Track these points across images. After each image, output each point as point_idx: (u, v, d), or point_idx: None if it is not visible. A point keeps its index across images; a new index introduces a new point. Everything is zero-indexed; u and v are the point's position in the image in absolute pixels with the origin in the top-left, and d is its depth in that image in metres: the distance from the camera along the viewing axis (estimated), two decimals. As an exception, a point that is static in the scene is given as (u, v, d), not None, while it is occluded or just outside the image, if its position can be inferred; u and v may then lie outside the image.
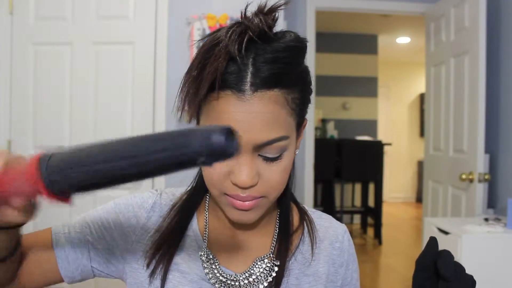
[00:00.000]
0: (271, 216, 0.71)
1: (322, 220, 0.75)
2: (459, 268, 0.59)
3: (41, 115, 2.49)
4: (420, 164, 7.28)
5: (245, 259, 0.68)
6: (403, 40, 6.51)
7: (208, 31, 2.46)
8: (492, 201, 2.65)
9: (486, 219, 2.29)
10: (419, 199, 7.52)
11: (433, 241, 0.59)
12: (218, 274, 0.65)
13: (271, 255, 0.67)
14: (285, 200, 0.71)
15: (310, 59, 3.23)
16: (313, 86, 0.64)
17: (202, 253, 0.67)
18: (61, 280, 0.68)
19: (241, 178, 0.55)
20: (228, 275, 0.65)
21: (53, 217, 2.69)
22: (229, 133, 0.37)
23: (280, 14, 0.59)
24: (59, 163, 0.40)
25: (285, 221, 0.71)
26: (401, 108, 8.05)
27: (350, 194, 6.10)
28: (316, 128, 5.63)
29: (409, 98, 8.06)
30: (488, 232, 2.06)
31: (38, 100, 2.49)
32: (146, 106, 2.48)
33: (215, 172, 0.57)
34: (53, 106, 2.49)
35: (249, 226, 0.68)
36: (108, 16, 2.47)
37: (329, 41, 6.03)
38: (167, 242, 0.66)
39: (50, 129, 2.49)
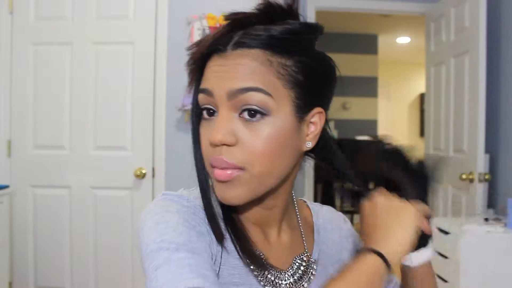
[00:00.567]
0: (292, 214, 0.72)
1: (324, 211, 0.78)
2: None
3: (41, 115, 2.49)
4: (420, 164, 7.27)
5: (286, 257, 0.67)
6: (403, 40, 6.50)
7: (208, 31, 2.46)
8: (492, 201, 2.65)
9: (486, 219, 2.29)
10: (419, 199, 7.51)
11: None
12: (266, 273, 0.63)
13: (307, 253, 0.69)
14: (291, 197, 0.71)
15: (310, 59, 3.22)
16: (337, 83, 0.64)
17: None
18: None
19: (211, 132, 0.56)
20: (275, 274, 0.64)
21: (53, 216, 2.71)
22: None
23: None
24: None
25: (305, 217, 0.73)
26: (401, 108, 8.04)
27: (350, 194, 6.09)
28: (316, 128, 5.62)
29: (409, 98, 8.06)
30: (488, 232, 2.06)
31: (38, 100, 2.49)
32: (146, 106, 2.48)
33: (204, 140, 0.60)
34: (53, 106, 2.49)
35: (273, 223, 0.67)
36: (108, 16, 2.47)
37: (329, 41, 6.01)
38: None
39: (50, 129, 2.49)
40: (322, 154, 0.67)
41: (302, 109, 0.59)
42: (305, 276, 0.66)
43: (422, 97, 7.49)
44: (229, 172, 0.57)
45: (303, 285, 0.66)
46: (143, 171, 2.44)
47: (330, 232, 0.74)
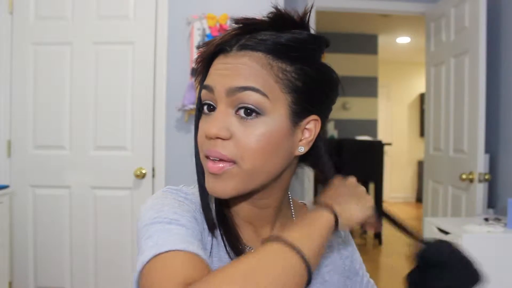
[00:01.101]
0: (287, 215, 0.73)
1: None
2: (454, 254, 0.64)
3: (41, 115, 2.49)
4: (420, 164, 7.28)
5: None
6: (403, 40, 6.51)
7: (208, 31, 2.46)
8: (492, 201, 2.65)
9: (486, 219, 2.29)
10: (419, 199, 7.52)
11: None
12: None
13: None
14: (287, 197, 0.73)
15: (310, 59, 3.22)
16: (338, 93, 0.68)
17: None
18: None
19: (208, 126, 0.59)
20: None
21: (53, 216, 2.71)
22: None
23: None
24: None
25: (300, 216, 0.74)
26: (401, 108, 8.05)
27: (350, 194, 6.09)
28: (316, 128, 5.63)
29: (409, 98, 8.06)
30: (488, 232, 2.06)
31: (38, 100, 2.49)
32: (146, 106, 2.48)
33: (200, 133, 0.62)
34: (53, 106, 2.49)
35: (265, 223, 0.69)
36: (108, 16, 2.47)
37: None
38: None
39: (50, 129, 2.49)
40: (313, 160, 0.70)
41: (298, 114, 0.62)
42: None
43: (422, 97, 7.50)
44: (221, 165, 0.59)
45: None
46: (143, 171, 2.44)
47: None
